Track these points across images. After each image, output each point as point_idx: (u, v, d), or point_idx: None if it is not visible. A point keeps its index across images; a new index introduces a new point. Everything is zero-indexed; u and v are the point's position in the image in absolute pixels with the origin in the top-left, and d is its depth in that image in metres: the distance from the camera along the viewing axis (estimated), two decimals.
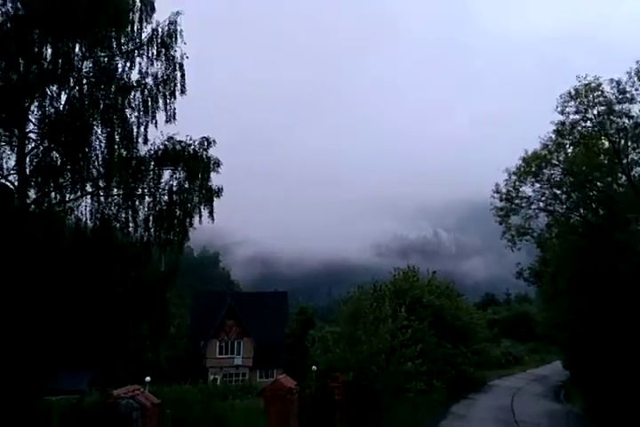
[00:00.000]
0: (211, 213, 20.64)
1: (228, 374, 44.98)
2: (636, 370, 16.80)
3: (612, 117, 17.05)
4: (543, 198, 18.24)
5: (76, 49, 17.88)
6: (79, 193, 18.73)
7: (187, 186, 20.39)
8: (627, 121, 17.20)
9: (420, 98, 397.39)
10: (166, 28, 18.76)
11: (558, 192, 18.03)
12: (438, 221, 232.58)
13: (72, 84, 17.94)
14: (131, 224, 19.51)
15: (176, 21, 18.90)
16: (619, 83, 17.20)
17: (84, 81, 18.08)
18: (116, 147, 18.36)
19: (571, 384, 34.96)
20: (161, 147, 19.68)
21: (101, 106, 18.01)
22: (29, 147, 17.42)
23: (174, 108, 19.25)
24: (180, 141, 19.97)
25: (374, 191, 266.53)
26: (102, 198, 19.19)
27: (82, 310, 17.58)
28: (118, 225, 19.33)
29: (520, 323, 60.80)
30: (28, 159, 17.30)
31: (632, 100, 17.15)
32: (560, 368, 42.02)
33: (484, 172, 18.37)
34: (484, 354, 34.53)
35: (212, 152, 20.44)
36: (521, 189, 18.19)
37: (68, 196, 18.52)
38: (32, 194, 17.71)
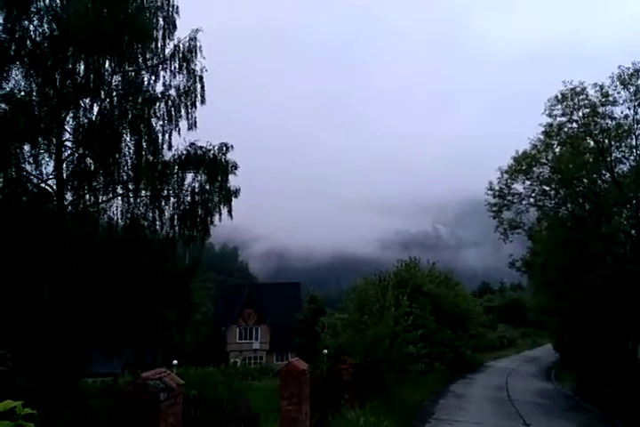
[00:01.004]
0: (229, 212, 20.82)
1: (247, 357, 45.22)
2: (618, 352, 16.70)
3: (596, 119, 16.91)
4: (533, 194, 18.15)
5: (107, 64, 18.05)
6: (111, 195, 19.00)
7: (207, 187, 20.58)
8: (610, 122, 17.06)
9: (422, 101, 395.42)
10: (187, 43, 18.90)
11: (547, 188, 17.91)
12: (438, 216, 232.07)
13: (103, 97, 18.17)
14: (157, 222, 19.78)
15: (196, 37, 19.04)
16: (602, 87, 17.06)
17: (114, 93, 18.31)
18: (143, 153, 18.61)
19: (560, 365, 34.74)
20: (184, 152, 19.87)
21: (130, 116, 18.23)
22: (66, 154, 17.67)
23: (195, 117, 19.41)
24: (201, 147, 20.15)
25: (378, 189, 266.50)
26: (132, 199, 19.44)
27: (115, 300, 17.82)
28: (146, 223, 19.58)
29: (514, 309, 60.50)
30: (64, 165, 17.55)
31: (614, 103, 17.01)
32: (551, 350, 41.78)
33: (480, 170, 18.41)
34: (480, 338, 34.41)
35: (229, 156, 20.62)
36: (512, 187, 18.14)
37: (100, 197, 18.82)
38: (69, 196, 17.98)
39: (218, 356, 41.04)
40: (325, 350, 18.45)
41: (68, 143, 17.79)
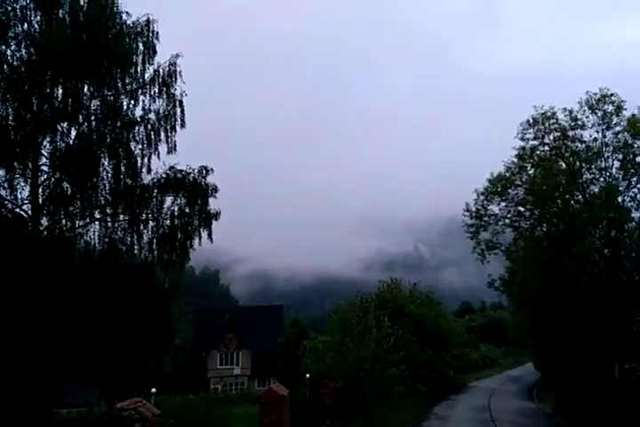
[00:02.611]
0: (210, 235, 20.65)
1: (229, 383, 44.20)
2: (597, 370, 16.85)
3: (566, 142, 17.51)
4: (509, 215, 18.51)
5: (85, 89, 18.01)
6: (88, 220, 18.70)
7: (187, 211, 20.43)
8: (579, 145, 17.68)
9: (403, 126, 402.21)
10: (167, 68, 18.99)
11: (522, 209, 18.32)
12: (420, 236, 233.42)
13: (81, 121, 18.08)
14: (136, 247, 19.45)
15: (175, 63, 19.17)
16: (571, 111, 17.71)
17: (92, 118, 18.22)
18: (121, 177, 18.48)
19: (542, 384, 34.79)
20: (163, 175, 19.75)
21: (108, 140, 18.13)
22: (42, 178, 17.41)
23: (175, 141, 19.41)
24: (181, 170, 20.06)
25: (359, 211, 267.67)
26: (109, 224, 19.16)
27: (91, 327, 17.37)
28: (124, 248, 19.28)
29: (495, 328, 60.71)
30: (40, 190, 17.29)
31: (583, 127, 17.66)
32: (532, 369, 41.88)
33: (462, 191, 18.75)
34: (462, 358, 34.35)
35: (210, 179, 20.60)
36: (489, 208, 18.49)
37: (77, 222, 18.51)
38: (44, 221, 17.65)
39: (198, 382, 40.00)
40: (308, 375, 18.19)
41: (45, 168, 17.54)
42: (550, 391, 27.14)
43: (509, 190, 18.01)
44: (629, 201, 17.69)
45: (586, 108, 17.46)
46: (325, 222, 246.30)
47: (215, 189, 20.85)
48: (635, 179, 17.34)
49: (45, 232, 17.51)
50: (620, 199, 17.55)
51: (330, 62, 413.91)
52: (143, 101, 18.85)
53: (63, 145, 17.75)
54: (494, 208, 18.38)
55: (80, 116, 17.94)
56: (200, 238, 20.43)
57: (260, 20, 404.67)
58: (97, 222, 18.82)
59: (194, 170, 20.27)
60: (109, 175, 18.21)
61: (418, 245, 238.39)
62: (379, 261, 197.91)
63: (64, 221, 18.16)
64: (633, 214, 17.73)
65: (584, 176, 17.92)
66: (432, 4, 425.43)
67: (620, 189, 17.47)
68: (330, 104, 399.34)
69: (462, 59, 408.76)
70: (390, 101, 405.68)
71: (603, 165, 17.62)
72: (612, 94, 17.32)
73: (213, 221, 20.89)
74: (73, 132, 17.90)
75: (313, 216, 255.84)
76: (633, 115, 17.14)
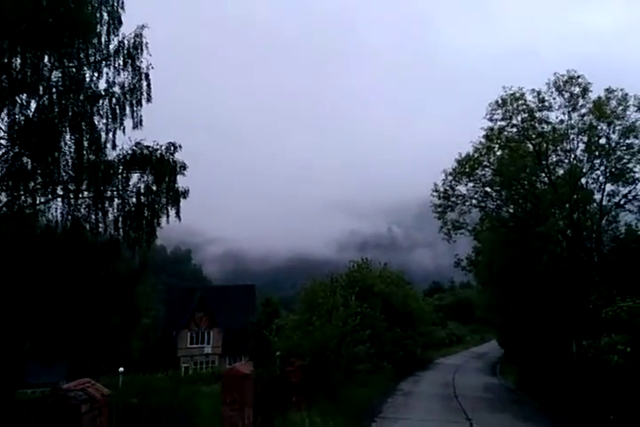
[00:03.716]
0: (178, 213, 20.28)
1: (199, 362, 44.23)
2: (556, 346, 17.43)
3: (533, 123, 17.63)
4: (476, 196, 18.67)
5: (45, 59, 17.15)
6: (50, 196, 18.11)
7: (154, 188, 19.99)
8: (546, 126, 17.83)
9: (384, 106, 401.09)
10: (132, 40, 18.27)
11: (489, 190, 18.48)
12: (394, 218, 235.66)
13: (41, 93, 17.24)
14: (100, 225, 19.01)
15: (141, 34, 18.43)
16: (539, 93, 17.79)
17: (53, 90, 17.43)
18: (84, 152, 17.86)
19: (505, 360, 35.96)
20: (129, 152, 19.21)
21: (70, 113, 17.44)
22: (0, 152, 16.66)
23: (141, 115, 18.82)
24: (148, 146, 19.53)
25: (335, 191, 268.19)
26: (72, 201, 18.60)
27: (54, 305, 16.97)
28: (88, 226, 18.78)
29: (463, 307, 62.18)
30: None
31: (550, 108, 17.80)
32: (497, 346, 43.19)
33: (436, 174, 18.77)
34: (430, 336, 35.12)
35: (178, 156, 20.12)
36: (456, 188, 18.60)
37: (38, 199, 17.87)
38: (3, 197, 16.99)
39: (168, 361, 39.89)
40: (278, 353, 18.26)
41: (2, 141, 16.79)
42: (513, 367, 28.08)
43: (477, 171, 18.12)
44: (592, 183, 18.07)
45: (553, 89, 17.58)
46: (300, 204, 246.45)
47: (184, 167, 20.38)
48: (597, 161, 17.65)
49: (4, 209, 16.85)
50: (583, 181, 17.90)
51: (308, 42, 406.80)
52: (107, 74, 18.17)
53: (22, 118, 16.99)
54: (462, 189, 18.57)
55: (40, 88, 17.14)
56: (168, 217, 20.10)
57: None
58: (60, 199, 18.29)
59: (161, 146, 19.74)
60: (72, 150, 17.59)
61: (391, 226, 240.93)
62: (353, 242, 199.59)
63: (24, 197, 17.54)
64: (595, 196, 18.13)
65: (550, 158, 18.15)
66: None
67: (584, 170, 17.78)
68: (307, 85, 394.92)
69: (445, 37, 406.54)
70: (366, 83, 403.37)
71: (568, 147, 17.87)
72: (578, 76, 17.47)
73: (182, 200, 20.53)
74: (33, 105, 17.15)
75: (287, 198, 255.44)
76: (599, 97, 17.33)
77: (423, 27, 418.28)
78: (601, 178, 17.79)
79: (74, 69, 17.72)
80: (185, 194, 20.66)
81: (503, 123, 17.81)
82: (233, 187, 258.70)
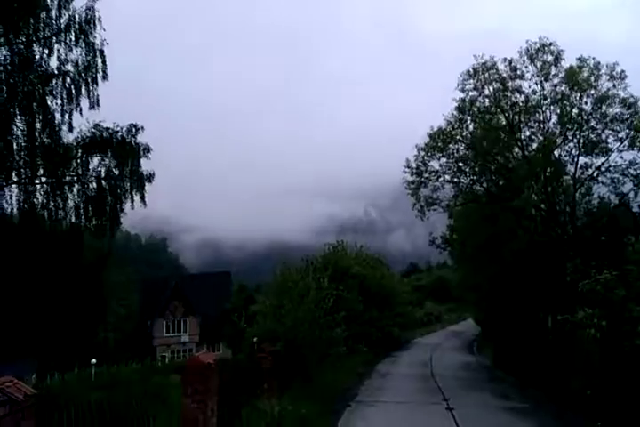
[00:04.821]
0: (142, 198, 19.54)
1: (177, 350, 43.62)
2: (531, 322, 17.42)
3: (506, 93, 17.24)
4: (449, 171, 18.32)
5: None
6: (4, 182, 17.09)
7: (116, 172, 19.12)
8: (518, 96, 17.48)
9: (359, 87, 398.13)
10: (84, 13, 17.20)
11: (462, 165, 18.12)
12: (370, 201, 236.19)
13: None
14: (60, 212, 18.13)
15: (94, 7, 17.37)
16: (511, 61, 17.38)
17: (1, 68, 16.27)
18: (37, 135, 16.85)
19: (482, 338, 36.35)
20: (88, 134, 18.34)
21: (20, 94, 16.35)
22: None
23: (97, 95, 17.91)
24: (108, 128, 18.68)
25: (310, 178, 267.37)
26: (29, 187, 17.62)
27: (13, 295, 16.17)
28: (47, 213, 17.86)
29: (439, 287, 62.85)
30: None
31: (522, 77, 17.39)
32: (474, 324, 43.69)
33: (411, 155, 18.28)
34: (407, 316, 35.20)
35: (140, 139, 19.26)
36: (429, 164, 18.18)
37: None
38: None
39: (144, 351, 39.16)
40: (255, 339, 17.80)
41: None
42: (490, 345, 28.30)
43: (450, 146, 17.70)
44: (565, 156, 17.87)
45: (525, 57, 17.17)
46: (275, 189, 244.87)
47: (147, 149, 19.55)
48: (570, 133, 17.41)
49: None
50: (556, 154, 17.68)
51: (281, 23, 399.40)
52: (58, 50, 17.10)
53: None
54: (435, 164, 18.15)
55: None
56: (132, 202, 19.30)
57: None
58: (15, 186, 17.30)
59: (122, 128, 18.86)
60: (24, 133, 16.55)
61: (368, 209, 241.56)
62: (330, 227, 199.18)
63: None
64: (568, 169, 17.96)
65: (523, 131, 17.84)
66: None
67: (557, 142, 17.52)
68: (280, 68, 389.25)
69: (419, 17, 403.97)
70: (340, 65, 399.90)
71: (541, 117, 17.56)
72: (550, 44, 17.07)
73: (147, 184, 19.72)
74: None
75: (263, 183, 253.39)
76: (571, 66, 16.98)
77: (397, 8, 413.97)
78: (574, 150, 17.59)
79: (22, 46, 16.59)
80: (150, 178, 19.81)
81: (475, 93, 17.39)
82: (207, 174, 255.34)
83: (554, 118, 17.43)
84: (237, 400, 9.36)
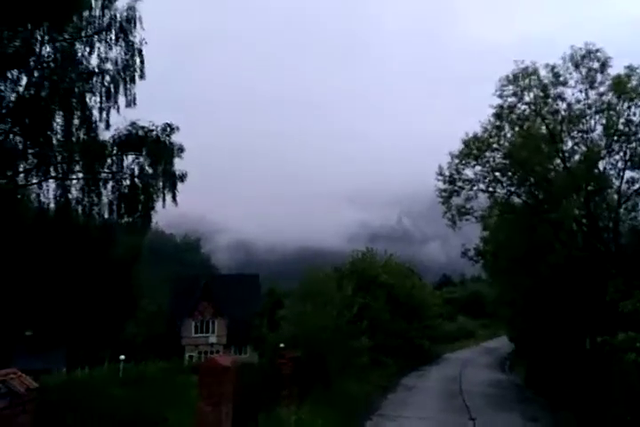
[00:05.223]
0: (174, 198, 19.65)
1: (204, 351, 43.85)
2: (567, 342, 16.52)
3: (547, 101, 16.44)
4: (484, 181, 17.60)
5: (36, 33, 16.46)
6: (42, 177, 17.57)
7: (150, 171, 19.36)
8: (560, 103, 16.65)
9: (399, 94, 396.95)
10: (125, 13, 17.51)
11: (498, 175, 17.38)
12: (405, 210, 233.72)
13: (32, 68, 16.61)
14: (94, 207, 18.47)
15: (134, 7, 17.65)
16: (553, 67, 16.57)
17: (45, 65, 16.79)
18: (75, 131, 17.26)
19: (515, 356, 34.99)
20: (124, 132, 18.60)
21: (61, 90, 16.78)
22: None
23: (134, 93, 18.13)
24: (143, 127, 18.88)
25: (345, 183, 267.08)
26: (66, 182, 18.05)
27: (43, 289, 16.52)
28: (81, 208, 18.25)
29: (473, 301, 61.22)
30: None
31: (566, 84, 16.55)
32: (508, 342, 42.17)
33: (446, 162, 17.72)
34: (437, 329, 34.26)
35: (175, 139, 19.46)
36: (463, 172, 17.51)
37: (31, 179, 17.37)
38: None
39: (173, 350, 39.61)
40: (282, 344, 17.64)
41: None
42: (523, 363, 27.15)
43: (486, 153, 17.00)
44: (610, 169, 16.89)
45: (569, 64, 16.32)
46: (310, 194, 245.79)
47: (181, 149, 19.68)
48: (617, 145, 16.44)
49: None
50: (601, 166, 16.72)
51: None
52: (99, 49, 17.46)
53: (14, 95, 16.38)
54: (469, 172, 17.45)
55: (31, 63, 16.50)
56: (164, 201, 19.47)
57: None
58: (52, 180, 17.75)
59: (157, 127, 19.07)
60: (62, 129, 16.98)
61: (402, 218, 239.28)
62: (363, 234, 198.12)
63: (16, 177, 17.04)
64: (612, 182, 16.94)
65: (565, 141, 16.94)
66: None
67: (602, 155, 16.58)
68: (316, 72, 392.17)
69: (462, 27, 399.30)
70: (380, 69, 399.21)
71: (585, 128, 16.65)
72: (597, 50, 16.15)
73: (179, 183, 19.87)
74: (24, 81, 16.52)
75: (297, 188, 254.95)
76: (619, 75, 16.03)
77: (437, 16, 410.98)
78: (620, 163, 16.62)
79: (65, 44, 17.06)
80: (183, 178, 19.95)
81: (514, 99, 16.63)
82: (244, 176, 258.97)
83: (599, 129, 16.52)
84: (255, 406, 9.13)
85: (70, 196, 17.96)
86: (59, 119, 17.03)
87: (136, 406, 7.08)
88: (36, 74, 16.83)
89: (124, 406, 6.87)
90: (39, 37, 16.62)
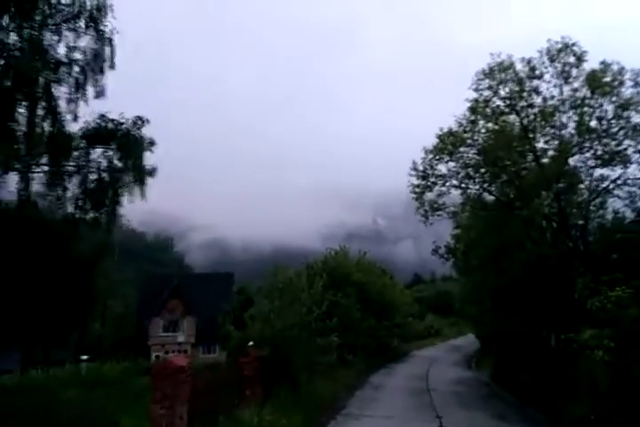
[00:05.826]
0: (143, 193, 19.03)
1: (171, 350, 42.77)
2: (533, 339, 16.60)
3: (522, 95, 16.41)
4: (459, 177, 17.51)
5: (1, 21, 15.62)
6: (4, 170, 16.69)
7: (119, 165, 18.68)
8: (535, 97, 16.63)
9: (375, 93, 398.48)
10: (95, 1, 16.77)
11: (471, 171, 17.31)
12: (379, 210, 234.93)
13: None
14: (59, 202, 17.69)
15: None
16: (529, 61, 16.57)
17: (10, 54, 15.93)
18: (40, 122, 16.45)
19: (481, 353, 35.33)
20: (92, 125, 17.91)
21: (26, 80, 15.95)
22: None
23: (104, 84, 17.42)
24: (113, 120, 18.26)
25: (320, 184, 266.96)
26: (29, 175, 17.22)
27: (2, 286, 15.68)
28: (45, 203, 17.45)
29: (442, 300, 61.80)
30: None
31: (541, 77, 16.53)
32: (474, 339, 42.62)
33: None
34: (406, 327, 34.31)
35: (145, 131, 18.81)
36: (436, 167, 17.39)
37: None
38: None
39: (139, 350, 38.51)
40: (251, 342, 17.16)
41: None
42: (489, 360, 27.34)
43: (460, 149, 16.91)
44: (581, 167, 16.98)
45: (546, 58, 16.31)
46: (286, 193, 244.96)
47: (152, 143, 19.11)
48: (588, 143, 16.55)
49: None
50: (572, 163, 16.83)
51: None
52: (67, 38, 16.70)
53: None
54: (442, 168, 17.32)
55: None
56: (133, 196, 18.84)
57: None
58: (15, 173, 16.91)
59: (127, 120, 18.43)
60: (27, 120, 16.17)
61: (376, 218, 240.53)
62: (338, 234, 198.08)
63: None
64: (583, 179, 17.07)
65: (538, 139, 16.94)
66: None
67: (574, 152, 16.68)
68: (295, 69, 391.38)
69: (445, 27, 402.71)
70: (360, 68, 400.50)
71: (557, 124, 16.70)
72: (573, 44, 16.19)
73: (149, 179, 19.25)
74: None
75: (274, 187, 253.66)
76: (593, 70, 16.12)
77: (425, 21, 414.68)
78: (590, 161, 16.72)
79: (32, 32, 16.24)
80: (152, 173, 19.32)
81: (489, 93, 16.53)
82: (217, 174, 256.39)
83: (571, 126, 16.56)
84: (214, 408, 8.70)
85: (33, 189, 17.20)
86: (22, 110, 16.26)
87: (87, 409, 6.56)
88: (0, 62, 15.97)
89: (74, 409, 6.36)
90: (4, 24, 15.78)
